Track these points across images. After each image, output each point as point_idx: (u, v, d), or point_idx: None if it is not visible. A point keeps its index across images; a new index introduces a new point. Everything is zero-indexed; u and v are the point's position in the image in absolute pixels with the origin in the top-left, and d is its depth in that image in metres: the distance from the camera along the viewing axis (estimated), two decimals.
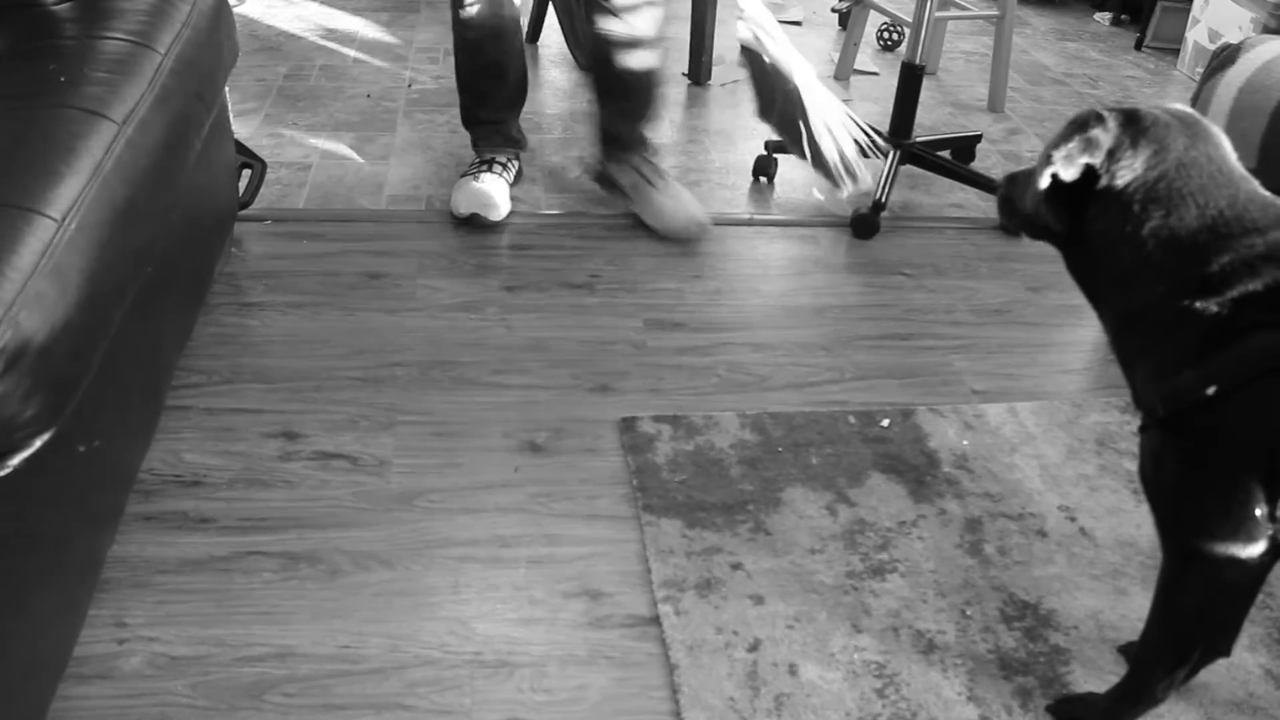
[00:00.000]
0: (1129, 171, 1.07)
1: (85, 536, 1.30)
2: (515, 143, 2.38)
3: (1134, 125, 1.08)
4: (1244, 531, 1.07)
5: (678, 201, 2.16)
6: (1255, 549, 1.08)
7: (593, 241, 2.26)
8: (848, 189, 1.62)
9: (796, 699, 1.28)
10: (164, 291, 1.52)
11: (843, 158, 1.72)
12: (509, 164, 2.36)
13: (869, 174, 1.62)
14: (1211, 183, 1.07)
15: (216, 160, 1.83)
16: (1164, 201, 1.06)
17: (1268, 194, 1.09)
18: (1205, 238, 1.04)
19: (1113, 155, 1.08)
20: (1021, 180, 1.21)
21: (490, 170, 2.31)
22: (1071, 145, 1.09)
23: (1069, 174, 1.09)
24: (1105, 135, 1.08)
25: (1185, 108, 1.13)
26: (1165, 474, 1.12)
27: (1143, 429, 1.14)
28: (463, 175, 2.33)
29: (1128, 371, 1.16)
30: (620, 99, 2.26)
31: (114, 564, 1.41)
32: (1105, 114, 1.09)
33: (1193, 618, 1.17)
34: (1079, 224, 1.12)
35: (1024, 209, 1.19)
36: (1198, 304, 1.03)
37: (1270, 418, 1.02)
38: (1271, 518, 1.04)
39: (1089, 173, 1.09)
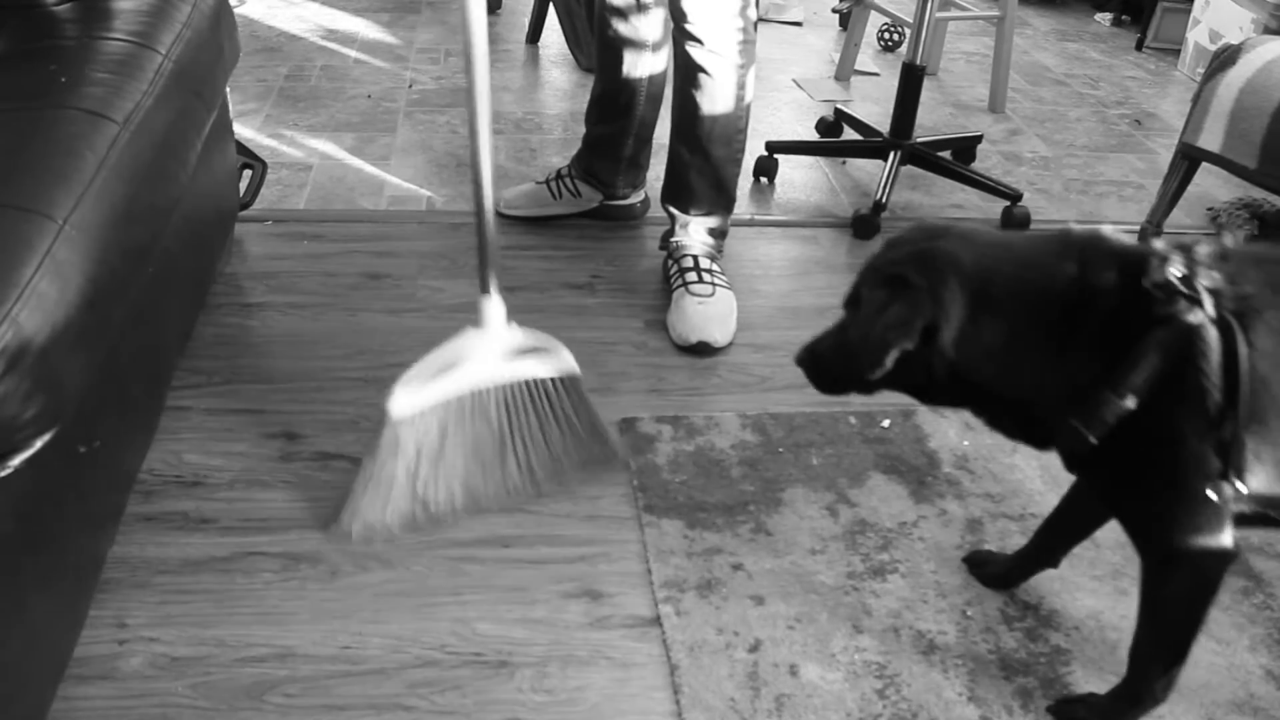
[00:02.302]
0: (956, 310, 1.09)
1: (86, 537, 1.30)
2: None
3: (932, 266, 1.11)
4: (1216, 519, 1.09)
5: (702, 318, 1.95)
6: (1227, 535, 1.10)
7: (593, 242, 2.26)
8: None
9: (797, 699, 1.28)
10: (165, 292, 1.52)
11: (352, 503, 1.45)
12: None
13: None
14: (1008, 253, 1.13)
15: (217, 161, 1.83)
16: (1005, 304, 1.10)
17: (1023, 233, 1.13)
18: (1048, 295, 1.09)
19: (938, 305, 1.10)
20: (826, 353, 1.22)
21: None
22: (905, 318, 1.10)
23: (912, 343, 1.10)
24: (923, 295, 1.10)
25: (933, 224, 1.18)
26: (1121, 492, 1.15)
27: (1073, 464, 1.18)
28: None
29: (1014, 430, 1.19)
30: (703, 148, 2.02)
31: (114, 564, 1.41)
32: (909, 274, 1.11)
33: (1183, 617, 1.18)
34: (925, 368, 1.13)
35: (846, 377, 1.21)
36: (1084, 338, 1.07)
37: (1194, 402, 1.05)
38: (1234, 482, 1.07)
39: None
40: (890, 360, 1.12)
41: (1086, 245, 1.11)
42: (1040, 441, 1.18)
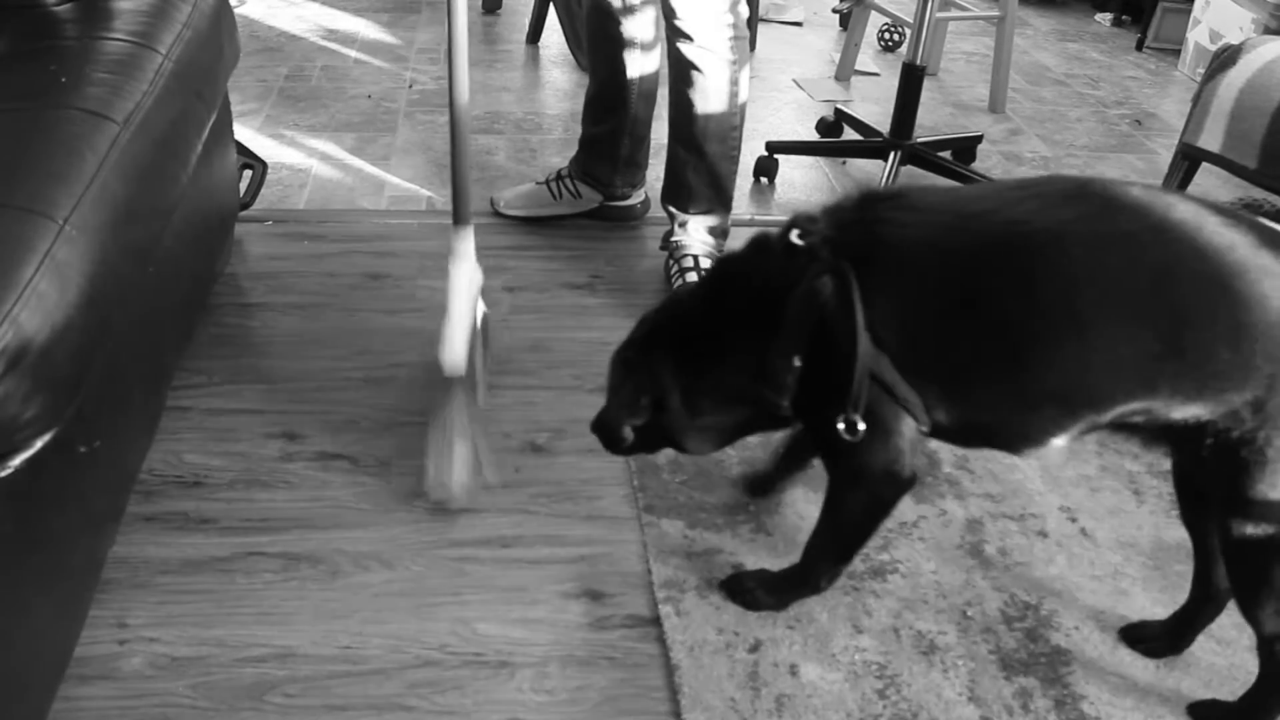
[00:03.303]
0: (671, 379, 1.27)
1: (86, 537, 1.30)
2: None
3: (648, 344, 1.30)
4: (895, 446, 1.20)
5: None
6: (898, 463, 1.22)
7: (593, 242, 2.26)
8: (433, 492, 1.52)
9: (797, 699, 1.28)
10: (165, 292, 1.52)
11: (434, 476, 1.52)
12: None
13: (461, 499, 1.52)
14: (704, 293, 1.32)
15: (217, 161, 1.83)
16: (708, 347, 1.26)
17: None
18: (731, 316, 1.25)
19: (656, 380, 1.27)
20: (602, 424, 1.37)
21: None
22: (630, 398, 1.29)
23: (643, 418, 1.30)
24: (643, 375, 1.28)
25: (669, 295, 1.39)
26: (810, 432, 1.28)
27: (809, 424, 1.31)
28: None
29: (767, 426, 1.36)
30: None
31: (115, 564, 1.41)
32: (631, 355, 1.31)
33: (854, 530, 1.32)
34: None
35: (613, 447, 1.38)
36: (761, 326, 1.20)
37: (826, 345, 1.16)
38: (853, 416, 1.17)
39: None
40: (628, 433, 1.32)
41: (743, 253, 1.27)
42: (780, 423, 1.32)
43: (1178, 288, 1.05)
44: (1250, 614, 1.18)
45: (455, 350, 1.48)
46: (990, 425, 1.20)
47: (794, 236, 1.18)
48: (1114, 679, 1.33)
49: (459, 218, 1.58)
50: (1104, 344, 1.08)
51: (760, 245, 1.24)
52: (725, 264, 1.29)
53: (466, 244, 1.59)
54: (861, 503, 1.28)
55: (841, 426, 1.17)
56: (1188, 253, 1.05)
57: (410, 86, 3.02)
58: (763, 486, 1.58)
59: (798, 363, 1.18)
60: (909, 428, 1.19)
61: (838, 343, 1.14)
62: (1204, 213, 1.08)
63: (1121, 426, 1.14)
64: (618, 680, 1.31)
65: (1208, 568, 1.29)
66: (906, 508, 1.59)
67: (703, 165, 2.02)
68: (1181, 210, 1.08)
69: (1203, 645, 1.38)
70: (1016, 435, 1.19)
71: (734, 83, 1.95)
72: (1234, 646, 1.38)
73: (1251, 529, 1.10)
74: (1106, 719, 1.29)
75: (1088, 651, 1.37)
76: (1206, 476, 1.15)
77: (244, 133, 2.61)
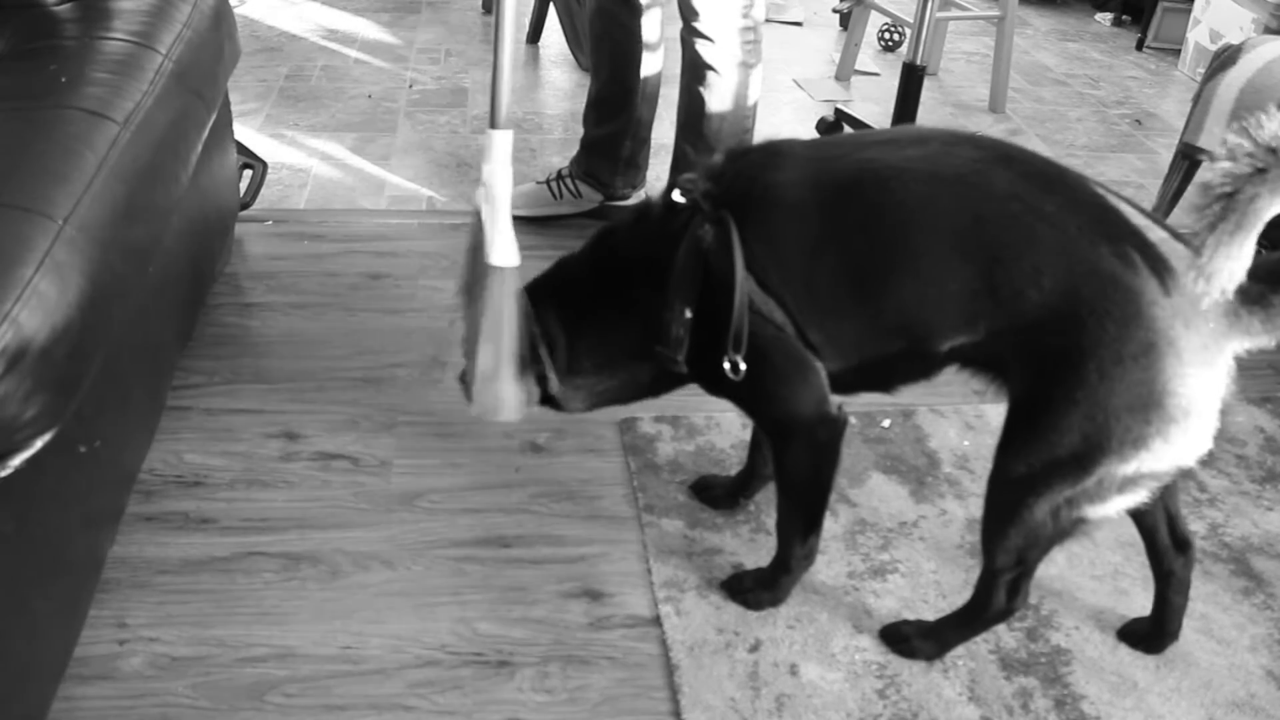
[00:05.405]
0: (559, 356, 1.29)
1: (86, 537, 1.30)
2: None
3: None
4: (815, 384, 1.22)
5: None
6: (828, 403, 1.24)
7: None
8: (472, 408, 1.37)
9: (797, 699, 1.28)
10: (165, 292, 1.52)
11: (482, 378, 1.36)
12: None
13: (510, 409, 1.36)
14: (561, 269, 1.34)
15: (217, 160, 1.83)
16: (586, 309, 1.30)
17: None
18: (611, 275, 1.29)
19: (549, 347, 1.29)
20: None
21: None
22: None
23: None
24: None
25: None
26: (742, 386, 1.23)
27: (710, 387, 1.30)
28: None
29: (656, 389, 1.35)
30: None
31: (115, 564, 1.41)
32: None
33: (808, 484, 1.32)
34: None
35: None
36: (646, 283, 1.24)
37: (714, 294, 1.18)
38: (735, 358, 1.19)
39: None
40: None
41: (626, 219, 1.28)
42: (672, 383, 1.31)
43: (993, 228, 1.11)
44: (987, 545, 1.23)
45: (504, 240, 1.32)
46: (855, 361, 1.23)
47: (676, 195, 1.21)
48: (1114, 679, 1.33)
49: (495, 122, 1.42)
50: (935, 277, 1.14)
51: (642, 211, 1.28)
52: (608, 230, 1.31)
53: (504, 148, 1.42)
54: (804, 453, 1.29)
55: (726, 367, 1.19)
56: (1004, 195, 1.11)
57: (410, 86, 3.01)
58: (741, 490, 1.57)
59: (689, 314, 1.21)
60: (821, 366, 1.22)
61: (724, 290, 1.17)
62: (1026, 160, 1.14)
63: (961, 362, 1.21)
64: (618, 680, 1.31)
65: (1155, 546, 1.33)
66: (906, 507, 1.59)
67: None
68: (1006, 156, 1.14)
69: (1203, 645, 1.38)
70: (879, 371, 1.25)
71: (748, 84, 1.96)
72: (1234, 646, 1.39)
73: (1014, 467, 1.16)
74: (1106, 719, 1.29)
75: (1088, 651, 1.37)
76: (1007, 417, 1.19)
77: (244, 133, 2.61)
